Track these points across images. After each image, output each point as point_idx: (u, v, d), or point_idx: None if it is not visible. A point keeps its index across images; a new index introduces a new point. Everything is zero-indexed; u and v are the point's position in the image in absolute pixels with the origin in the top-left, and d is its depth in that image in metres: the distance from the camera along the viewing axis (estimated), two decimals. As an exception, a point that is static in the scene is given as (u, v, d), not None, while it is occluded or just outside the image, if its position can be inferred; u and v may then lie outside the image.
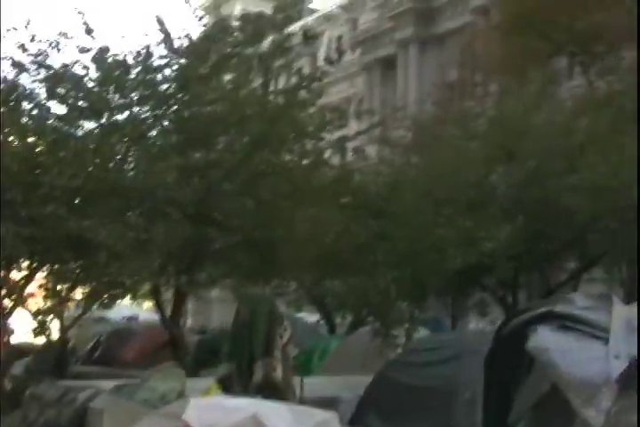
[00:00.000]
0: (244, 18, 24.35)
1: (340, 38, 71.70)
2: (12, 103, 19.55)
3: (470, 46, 48.65)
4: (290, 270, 24.38)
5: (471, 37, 49.58)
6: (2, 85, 19.50)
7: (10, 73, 20.15)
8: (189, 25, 24.50)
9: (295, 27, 23.03)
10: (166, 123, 21.35)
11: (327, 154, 24.98)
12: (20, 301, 19.76)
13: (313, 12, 59.63)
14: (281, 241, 21.31)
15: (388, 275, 21.67)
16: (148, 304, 38.96)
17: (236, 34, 22.83)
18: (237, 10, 74.03)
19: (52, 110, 20.34)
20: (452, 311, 31.87)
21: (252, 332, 14.99)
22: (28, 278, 20.12)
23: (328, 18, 68.24)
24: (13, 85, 19.78)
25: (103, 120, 20.12)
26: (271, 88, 23.38)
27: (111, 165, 19.99)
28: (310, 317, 33.85)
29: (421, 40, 60.47)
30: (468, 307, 30.83)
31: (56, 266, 20.24)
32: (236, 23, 26.49)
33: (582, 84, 38.33)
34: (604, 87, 36.22)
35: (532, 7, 39.53)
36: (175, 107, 20.88)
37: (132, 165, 20.96)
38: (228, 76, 22.58)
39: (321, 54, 68.34)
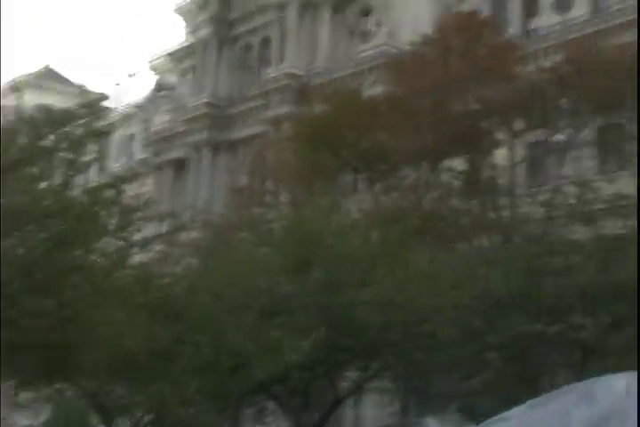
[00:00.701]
0: (48, 112, 23.85)
1: (132, 138, 71.87)
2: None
3: (261, 155, 49.62)
4: (80, 373, 23.65)
5: (263, 146, 50.63)
6: None
7: None
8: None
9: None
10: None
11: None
12: None
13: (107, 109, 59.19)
14: (76, 343, 20.79)
15: (191, 383, 21.47)
16: None
17: (38, 127, 22.47)
18: (30, 101, 73.58)
19: None
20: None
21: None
22: None
23: (123, 117, 68.12)
24: None
25: None
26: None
27: None
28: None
29: (214, 145, 60.73)
30: (248, 414, 30.93)
31: None
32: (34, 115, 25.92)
33: (367, 199, 39.28)
34: (389, 203, 37.54)
35: (323, 124, 40.67)
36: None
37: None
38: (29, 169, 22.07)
39: (112, 153, 68.65)
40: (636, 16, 44.65)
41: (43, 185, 21.66)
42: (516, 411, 8.33)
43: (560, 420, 7.97)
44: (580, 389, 8.65)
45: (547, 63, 39.50)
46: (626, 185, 37.23)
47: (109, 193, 22.61)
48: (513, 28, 49.62)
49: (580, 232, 34.42)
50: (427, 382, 31.72)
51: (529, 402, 8.63)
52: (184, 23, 69.74)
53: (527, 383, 27.40)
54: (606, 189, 36.99)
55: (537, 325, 25.84)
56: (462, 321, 24.95)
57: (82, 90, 39.22)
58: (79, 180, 24.84)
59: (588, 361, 26.90)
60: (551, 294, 26.82)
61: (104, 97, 37.97)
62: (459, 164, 40.67)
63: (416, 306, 23.85)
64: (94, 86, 60.01)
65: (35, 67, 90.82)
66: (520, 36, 48.54)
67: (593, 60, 37.50)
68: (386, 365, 28.06)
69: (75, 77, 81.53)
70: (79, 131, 22.58)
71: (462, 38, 39.24)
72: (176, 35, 71.84)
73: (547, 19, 50.18)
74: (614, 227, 34.44)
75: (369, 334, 24.74)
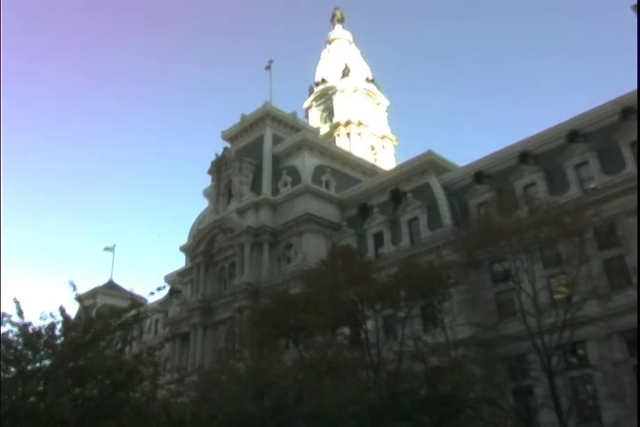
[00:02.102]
0: (111, 309, 23.61)
1: (157, 321, 71.04)
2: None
3: (232, 330, 48.95)
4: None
5: (233, 325, 50.07)
6: None
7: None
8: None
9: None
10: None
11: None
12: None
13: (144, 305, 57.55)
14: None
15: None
16: None
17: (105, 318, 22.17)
18: (101, 302, 73.54)
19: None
20: None
21: None
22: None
23: (152, 309, 67.34)
24: None
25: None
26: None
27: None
28: None
29: (204, 324, 59.46)
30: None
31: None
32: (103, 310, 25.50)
33: (295, 354, 38.59)
34: (308, 356, 37.04)
35: (267, 311, 40.52)
36: (69, 361, 19.73)
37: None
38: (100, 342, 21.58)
39: (146, 330, 67.15)
40: (434, 245, 46.35)
41: (107, 352, 21.22)
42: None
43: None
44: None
45: (390, 272, 39.95)
46: (439, 337, 37.57)
47: (146, 356, 22.21)
48: (369, 253, 50.74)
49: (417, 366, 34.28)
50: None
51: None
52: (184, 256, 69.48)
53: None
54: (428, 339, 37.22)
55: (399, 423, 25.24)
56: (356, 424, 24.28)
57: (131, 295, 38.84)
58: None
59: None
60: (404, 405, 26.36)
61: (143, 299, 37.39)
62: (346, 330, 40.70)
63: (329, 416, 23.22)
64: (138, 291, 59.91)
65: (103, 280, 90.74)
66: (374, 257, 49.55)
67: (412, 269, 38.40)
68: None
69: (127, 286, 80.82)
70: (129, 319, 22.40)
71: (343, 260, 39.97)
72: (180, 264, 70.42)
73: (387, 247, 51.47)
74: (435, 362, 34.54)
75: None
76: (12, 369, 19.07)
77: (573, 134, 45.69)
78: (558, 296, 39.06)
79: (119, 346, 22.00)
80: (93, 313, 22.98)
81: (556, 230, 35.00)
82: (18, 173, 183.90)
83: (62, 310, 20.93)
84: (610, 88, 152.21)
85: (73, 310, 23.71)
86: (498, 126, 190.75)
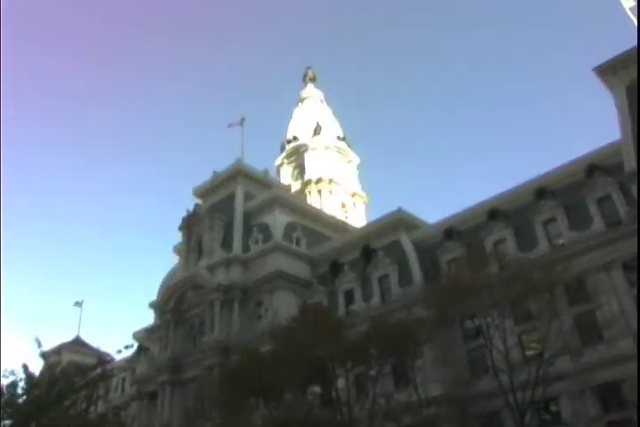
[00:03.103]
0: (76, 366, 23.17)
1: (124, 380, 69.37)
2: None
3: (201, 388, 47.91)
4: None
5: (203, 383, 49.04)
6: None
7: None
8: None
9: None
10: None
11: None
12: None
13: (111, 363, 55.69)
14: None
15: None
16: None
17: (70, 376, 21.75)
18: (65, 359, 71.59)
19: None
20: None
21: None
22: None
23: (119, 367, 65.49)
24: None
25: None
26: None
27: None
28: None
29: (173, 382, 58.00)
30: None
31: None
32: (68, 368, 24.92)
33: (265, 413, 37.85)
34: (278, 415, 36.37)
35: (236, 370, 39.99)
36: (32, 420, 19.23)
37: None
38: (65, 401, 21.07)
39: (112, 388, 65.20)
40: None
41: (72, 411, 20.77)
42: None
43: None
44: None
45: (361, 329, 39.66)
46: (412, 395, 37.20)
47: (111, 416, 21.76)
48: (340, 310, 50.53)
49: (390, 425, 33.80)
50: None
51: None
52: (153, 313, 68.17)
53: None
54: (400, 397, 36.80)
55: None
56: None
57: (98, 352, 38.16)
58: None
59: None
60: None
61: (110, 356, 36.59)
62: (317, 389, 40.11)
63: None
64: (106, 348, 58.49)
65: (70, 336, 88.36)
66: (344, 314, 49.33)
67: (383, 326, 38.30)
68: None
69: (94, 343, 78.83)
70: (95, 377, 22.03)
71: (313, 318, 39.78)
72: (149, 321, 69.32)
73: (358, 304, 51.31)
74: (407, 421, 34.07)
75: None
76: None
77: (541, 191, 46.63)
78: (530, 352, 39.06)
79: (84, 405, 21.59)
80: (58, 371, 22.50)
81: (526, 286, 35.29)
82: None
83: (25, 368, 20.54)
84: (576, 145, 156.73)
85: (37, 366, 23.24)
86: (467, 183, 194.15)
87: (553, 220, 44.68)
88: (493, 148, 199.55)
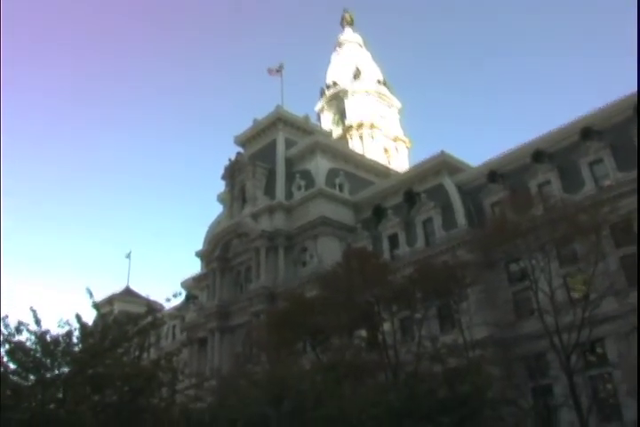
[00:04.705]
0: (128, 315, 23.57)
1: (174, 327, 70.89)
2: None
3: (249, 334, 48.89)
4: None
5: (251, 329, 50.00)
6: None
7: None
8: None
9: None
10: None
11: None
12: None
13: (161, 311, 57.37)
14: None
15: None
16: None
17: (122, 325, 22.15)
18: (118, 309, 73.65)
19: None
20: None
21: None
22: None
23: (169, 315, 66.88)
24: None
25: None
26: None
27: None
28: None
29: (221, 329, 59.33)
30: None
31: None
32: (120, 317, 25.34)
33: (312, 357, 38.48)
34: (325, 359, 36.95)
35: (283, 315, 40.53)
36: (88, 368, 19.79)
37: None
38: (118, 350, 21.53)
39: (163, 336, 66.88)
40: (451, 245, 46.11)
41: (125, 358, 21.24)
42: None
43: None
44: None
45: (405, 273, 39.69)
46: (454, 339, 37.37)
47: (164, 362, 22.21)
48: (385, 255, 50.50)
49: (435, 367, 34.08)
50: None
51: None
52: (200, 262, 69.41)
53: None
54: (446, 340, 37.00)
55: (419, 425, 25.16)
56: (376, 426, 24.22)
57: (148, 301, 39.17)
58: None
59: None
60: (423, 407, 26.26)
61: (160, 305, 37.37)
62: (363, 332, 40.53)
63: (348, 418, 23.11)
64: (155, 298, 59.77)
65: (120, 287, 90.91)
66: (389, 259, 49.31)
67: (428, 270, 38.20)
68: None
69: (143, 293, 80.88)
70: (146, 325, 22.39)
71: (358, 262, 39.75)
72: (196, 269, 70.61)
73: (402, 248, 51.26)
74: (453, 363, 34.31)
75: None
76: (32, 377, 19.20)
77: (587, 131, 45.26)
78: (575, 294, 38.65)
79: (137, 353, 22.05)
80: (110, 320, 22.99)
81: (571, 228, 34.68)
82: (35, 180, 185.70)
83: (79, 318, 20.98)
84: (622, 84, 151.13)
85: (89, 317, 23.73)
86: (511, 125, 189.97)
87: (599, 161, 43.48)
88: (537, 88, 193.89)
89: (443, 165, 54.48)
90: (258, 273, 58.18)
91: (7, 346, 19.11)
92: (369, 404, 24.24)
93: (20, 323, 19.71)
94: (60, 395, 19.41)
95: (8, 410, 17.25)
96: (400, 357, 36.56)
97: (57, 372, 19.67)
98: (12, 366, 19.29)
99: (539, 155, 47.59)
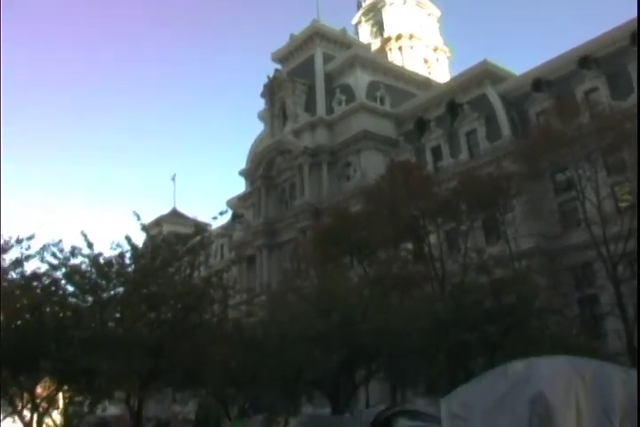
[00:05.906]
0: (177, 236, 23.79)
1: (222, 246, 71.96)
2: (52, 288, 18.97)
3: (296, 250, 49.45)
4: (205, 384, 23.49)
5: (297, 245, 50.57)
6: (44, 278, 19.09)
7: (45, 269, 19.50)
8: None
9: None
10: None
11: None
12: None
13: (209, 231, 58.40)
14: (202, 367, 20.82)
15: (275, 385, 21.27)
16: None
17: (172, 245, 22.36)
18: (166, 230, 74.77)
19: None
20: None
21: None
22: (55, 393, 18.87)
23: (217, 234, 67.60)
24: (52, 279, 19.20)
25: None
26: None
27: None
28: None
29: (269, 246, 60.20)
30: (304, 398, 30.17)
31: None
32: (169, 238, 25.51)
33: (359, 271, 38.71)
34: (372, 273, 37.18)
35: (329, 230, 40.70)
36: (142, 288, 20.17)
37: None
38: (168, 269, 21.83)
39: (212, 254, 68.08)
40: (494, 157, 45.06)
41: (177, 277, 21.55)
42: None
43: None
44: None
45: (449, 185, 39.21)
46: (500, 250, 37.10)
47: (214, 279, 22.51)
48: (428, 167, 49.75)
49: (482, 278, 33.98)
50: (403, 374, 30.94)
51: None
52: (244, 181, 69.52)
53: (463, 369, 26.84)
54: (492, 251, 36.76)
55: (465, 335, 25.29)
56: (422, 337, 24.43)
57: (195, 222, 39.33)
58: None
59: (495, 354, 26.21)
60: (469, 317, 26.35)
61: (208, 225, 37.70)
62: (409, 245, 40.55)
63: (395, 330, 23.33)
64: (202, 218, 60.45)
65: (166, 209, 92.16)
66: (433, 171, 48.61)
67: (473, 181, 37.55)
68: (380, 365, 27.46)
69: (190, 214, 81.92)
70: (195, 245, 22.55)
71: (402, 175, 39.26)
72: (240, 189, 70.91)
73: (446, 160, 50.45)
74: (499, 274, 34.10)
75: (368, 349, 24.24)
76: (89, 298, 19.66)
77: (636, 36, 42.75)
78: (623, 204, 37.75)
79: (187, 271, 22.36)
80: (159, 241, 23.22)
81: (619, 136, 33.35)
82: (78, 109, 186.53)
83: (129, 239, 21.17)
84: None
85: (139, 239, 23.97)
86: (555, 31, 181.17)
87: (650, 64, 41.19)
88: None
89: (485, 75, 52.70)
90: (302, 190, 58.15)
91: (64, 269, 19.48)
92: (415, 315, 24.40)
93: (73, 247, 19.99)
94: (118, 314, 19.94)
95: (70, 329, 17.78)
96: (446, 268, 36.54)
97: (112, 293, 20.10)
98: (70, 288, 19.76)
99: (585, 61, 45.56)
